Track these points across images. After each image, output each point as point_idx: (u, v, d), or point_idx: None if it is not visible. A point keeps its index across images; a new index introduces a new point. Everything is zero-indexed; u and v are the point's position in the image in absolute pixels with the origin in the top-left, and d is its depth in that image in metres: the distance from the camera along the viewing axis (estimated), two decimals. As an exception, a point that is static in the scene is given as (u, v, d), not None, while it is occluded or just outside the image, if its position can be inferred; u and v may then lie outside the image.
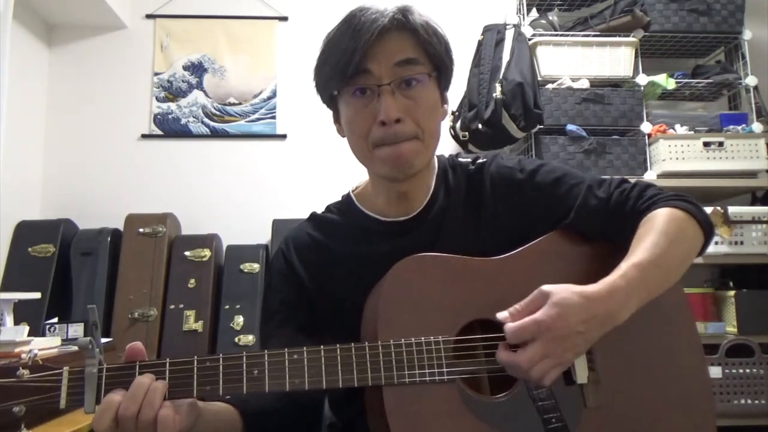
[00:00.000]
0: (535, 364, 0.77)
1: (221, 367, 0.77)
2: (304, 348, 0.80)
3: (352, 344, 0.82)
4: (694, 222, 0.93)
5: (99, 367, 0.75)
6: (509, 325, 0.79)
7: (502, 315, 0.81)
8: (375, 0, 0.96)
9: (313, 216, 1.09)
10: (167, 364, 0.76)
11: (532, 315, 0.78)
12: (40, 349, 1.66)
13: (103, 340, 2.16)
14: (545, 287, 0.81)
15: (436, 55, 0.94)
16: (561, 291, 0.80)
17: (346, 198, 1.09)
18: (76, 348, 1.84)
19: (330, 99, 0.99)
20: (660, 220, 0.90)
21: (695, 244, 0.93)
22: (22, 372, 0.73)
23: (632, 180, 1.03)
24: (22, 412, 0.71)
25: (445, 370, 0.83)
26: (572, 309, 0.78)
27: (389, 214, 1.02)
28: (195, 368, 0.77)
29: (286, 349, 0.80)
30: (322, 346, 0.81)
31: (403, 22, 0.92)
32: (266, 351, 0.79)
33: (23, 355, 0.74)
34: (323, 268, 1.01)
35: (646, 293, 0.85)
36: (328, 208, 1.10)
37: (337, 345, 0.82)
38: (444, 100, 1.01)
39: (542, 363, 0.77)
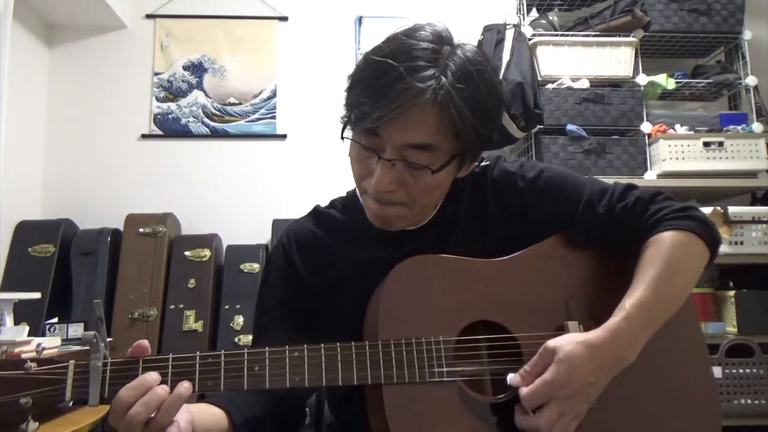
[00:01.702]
0: (555, 424, 0.79)
1: (223, 363, 0.78)
2: (305, 346, 0.81)
3: (353, 343, 0.82)
4: (700, 242, 0.91)
5: (104, 361, 0.76)
6: (523, 391, 0.80)
7: (513, 379, 0.82)
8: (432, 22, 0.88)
9: (316, 211, 1.08)
10: (170, 359, 0.77)
11: (543, 376, 0.79)
12: (40, 349, 1.68)
13: (103, 340, 2.15)
14: (550, 343, 0.81)
15: (467, 138, 0.85)
16: (566, 345, 0.80)
17: (352, 195, 1.07)
18: (76, 348, 1.85)
19: None
20: (664, 245, 0.88)
21: (701, 264, 0.92)
22: (30, 365, 0.74)
23: (632, 181, 1.00)
24: (28, 404, 0.72)
25: (445, 370, 0.83)
26: (580, 362, 0.79)
27: None
28: (197, 363, 0.78)
29: (287, 347, 0.80)
30: (322, 344, 0.81)
31: (442, 100, 0.81)
32: (267, 348, 0.80)
33: (23, 355, 0.75)
34: (323, 267, 1.00)
35: (651, 329, 0.85)
36: (333, 204, 1.08)
37: (338, 343, 0.82)
38: (469, 164, 0.94)
39: (561, 421, 0.79)
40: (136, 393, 0.73)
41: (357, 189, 0.95)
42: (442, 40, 0.86)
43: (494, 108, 0.89)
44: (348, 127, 0.89)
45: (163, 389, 0.74)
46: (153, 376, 0.75)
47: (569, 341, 0.81)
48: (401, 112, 0.80)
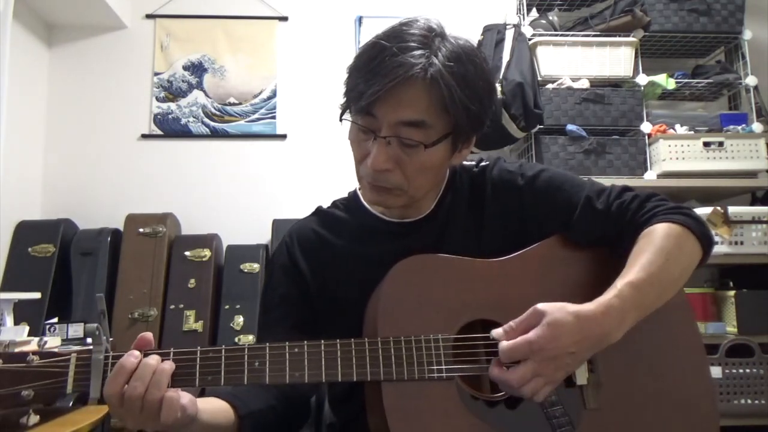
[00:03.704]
0: (526, 383, 0.79)
1: (223, 358, 0.79)
2: (305, 342, 0.81)
3: (352, 340, 0.83)
4: (693, 237, 0.92)
5: (105, 354, 0.76)
6: (502, 344, 0.80)
7: (497, 332, 0.83)
8: (424, 14, 0.91)
9: (319, 211, 1.10)
10: (171, 353, 0.78)
11: (526, 335, 0.80)
12: (40, 349, 1.68)
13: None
14: (540, 306, 0.82)
15: (457, 115, 0.88)
16: (555, 311, 0.80)
17: (353, 195, 1.09)
18: (76, 348, 1.85)
19: None
20: (657, 235, 0.89)
21: (693, 260, 0.93)
22: (32, 357, 0.75)
23: (632, 182, 1.01)
24: (30, 396, 0.73)
25: (444, 367, 0.84)
26: (565, 330, 0.79)
27: (394, 215, 1.02)
28: (198, 358, 0.78)
29: (287, 343, 0.81)
30: (322, 341, 0.82)
31: (432, 76, 0.85)
32: (267, 344, 0.80)
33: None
34: (326, 265, 1.01)
35: (640, 311, 0.85)
36: (335, 204, 1.10)
37: (338, 340, 0.82)
38: (461, 148, 0.96)
39: (533, 382, 0.79)
40: (122, 378, 0.73)
41: (356, 173, 0.97)
42: (434, 30, 0.90)
43: (484, 88, 0.92)
44: (347, 112, 0.92)
45: (154, 358, 0.75)
46: (135, 354, 0.75)
47: (560, 308, 0.81)
48: (393, 87, 0.84)
